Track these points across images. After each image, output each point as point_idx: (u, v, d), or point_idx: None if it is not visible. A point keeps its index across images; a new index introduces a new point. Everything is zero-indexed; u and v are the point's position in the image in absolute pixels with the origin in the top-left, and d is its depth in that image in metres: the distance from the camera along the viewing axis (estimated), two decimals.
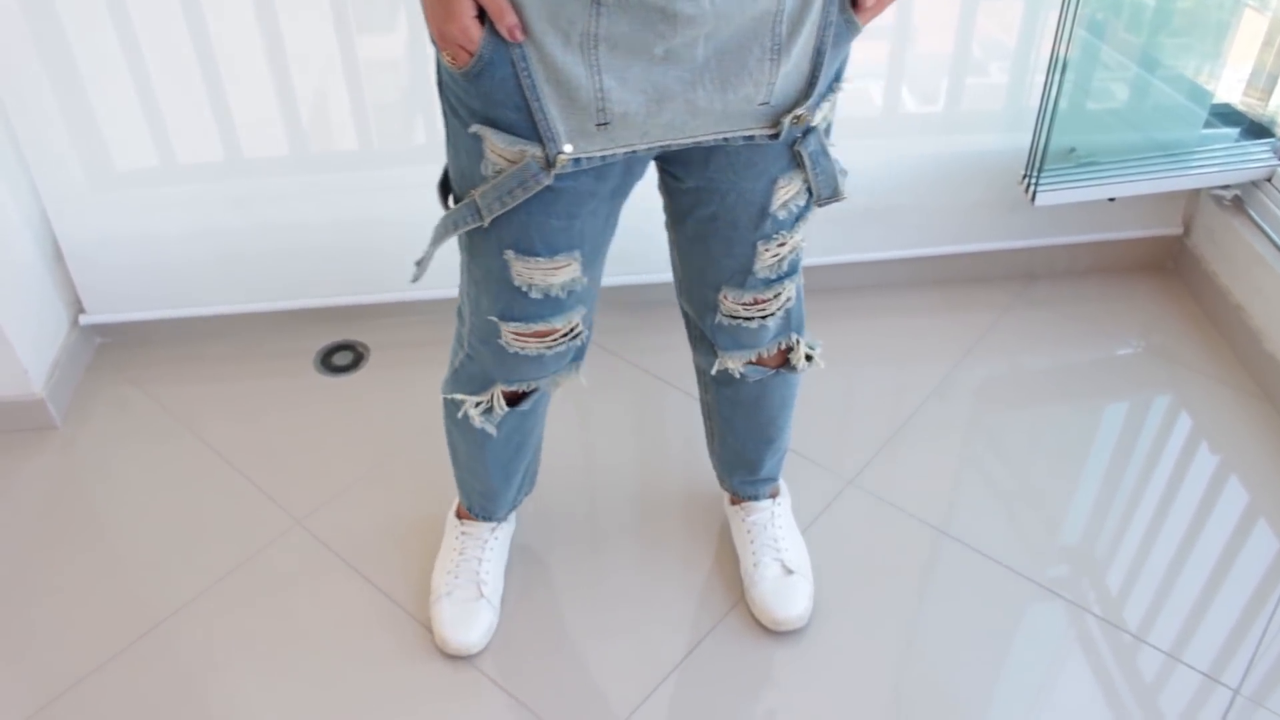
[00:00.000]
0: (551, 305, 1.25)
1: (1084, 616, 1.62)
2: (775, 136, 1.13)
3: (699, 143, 1.12)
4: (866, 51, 1.99)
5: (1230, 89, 2.12)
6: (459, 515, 1.68)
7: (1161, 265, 2.33)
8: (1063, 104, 1.96)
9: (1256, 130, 2.11)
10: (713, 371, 1.48)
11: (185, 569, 1.74)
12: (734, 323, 1.37)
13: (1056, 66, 1.92)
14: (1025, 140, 2.09)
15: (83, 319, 2.15)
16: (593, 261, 1.26)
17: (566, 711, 1.52)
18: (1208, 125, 2.10)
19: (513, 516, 1.74)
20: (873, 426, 1.96)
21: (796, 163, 1.19)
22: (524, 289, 1.22)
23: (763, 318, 1.36)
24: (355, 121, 1.97)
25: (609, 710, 1.52)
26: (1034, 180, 2.03)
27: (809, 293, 2.26)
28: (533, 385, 1.38)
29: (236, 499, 1.86)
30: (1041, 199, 2.03)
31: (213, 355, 2.19)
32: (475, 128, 1.10)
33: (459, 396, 1.41)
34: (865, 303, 2.26)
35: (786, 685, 1.54)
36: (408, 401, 2.03)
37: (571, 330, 1.31)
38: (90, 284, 2.12)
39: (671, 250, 1.40)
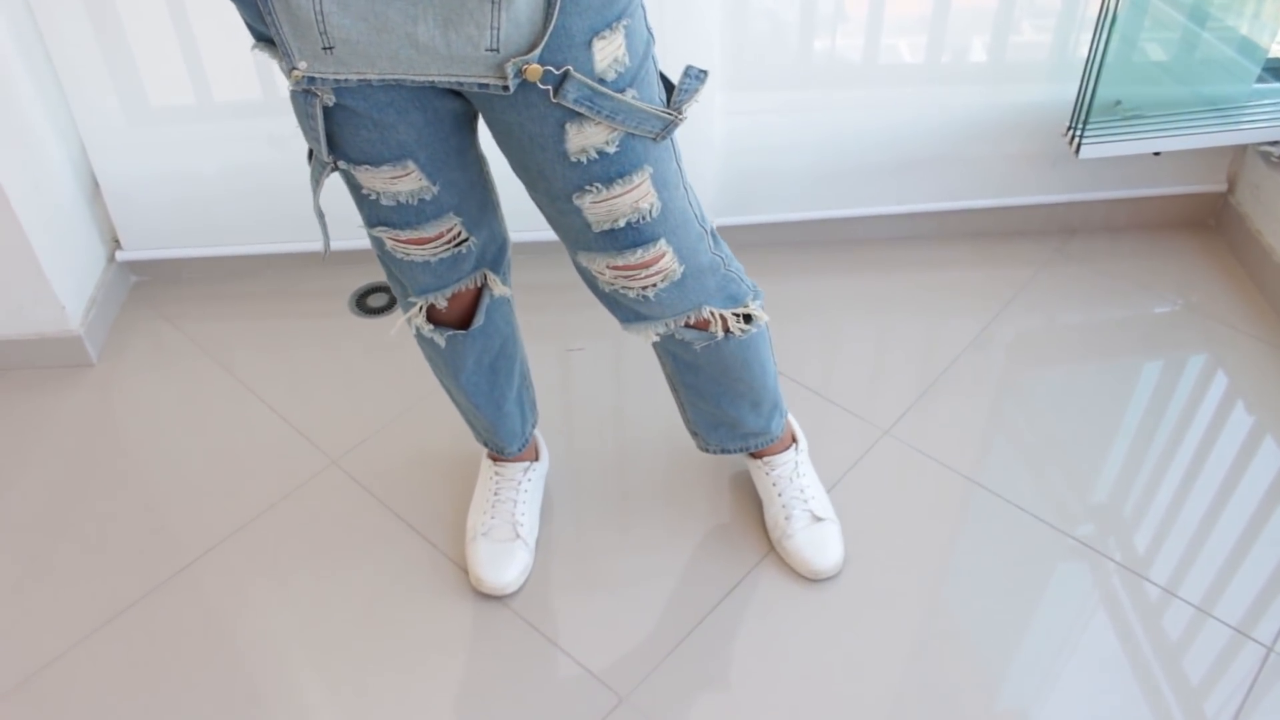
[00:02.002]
0: (411, 212, 1.25)
1: (1114, 569, 1.62)
2: (506, 89, 1.07)
3: (434, 83, 1.09)
4: (910, 8, 1.96)
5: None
6: (492, 457, 1.69)
7: (1203, 222, 2.31)
8: (1110, 56, 1.93)
9: None
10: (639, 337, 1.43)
11: (220, 507, 1.76)
12: (614, 290, 1.31)
13: (1105, 18, 1.88)
14: (1068, 92, 2.06)
15: (119, 255, 2.16)
16: (440, 170, 1.23)
17: (601, 655, 1.53)
18: (1258, 80, 2.07)
19: (545, 456, 1.75)
20: (908, 378, 1.95)
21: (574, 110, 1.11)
22: (373, 196, 1.24)
23: (642, 289, 1.29)
24: None
25: (643, 654, 1.53)
26: (1079, 132, 2.00)
27: (847, 243, 2.27)
28: (446, 294, 1.38)
29: (272, 438, 1.88)
30: (1086, 151, 2.01)
31: (248, 294, 2.20)
32: (253, 45, 1.12)
33: (403, 319, 1.44)
34: (903, 255, 2.24)
35: (818, 631, 1.55)
36: None
37: (451, 237, 1.30)
38: (127, 220, 2.12)
39: None
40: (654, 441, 1.85)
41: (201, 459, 1.84)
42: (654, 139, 1.17)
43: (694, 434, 1.65)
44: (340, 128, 1.16)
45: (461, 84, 1.08)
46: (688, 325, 1.38)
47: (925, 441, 1.83)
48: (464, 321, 1.44)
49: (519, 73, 1.06)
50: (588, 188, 1.17)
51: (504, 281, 1.44)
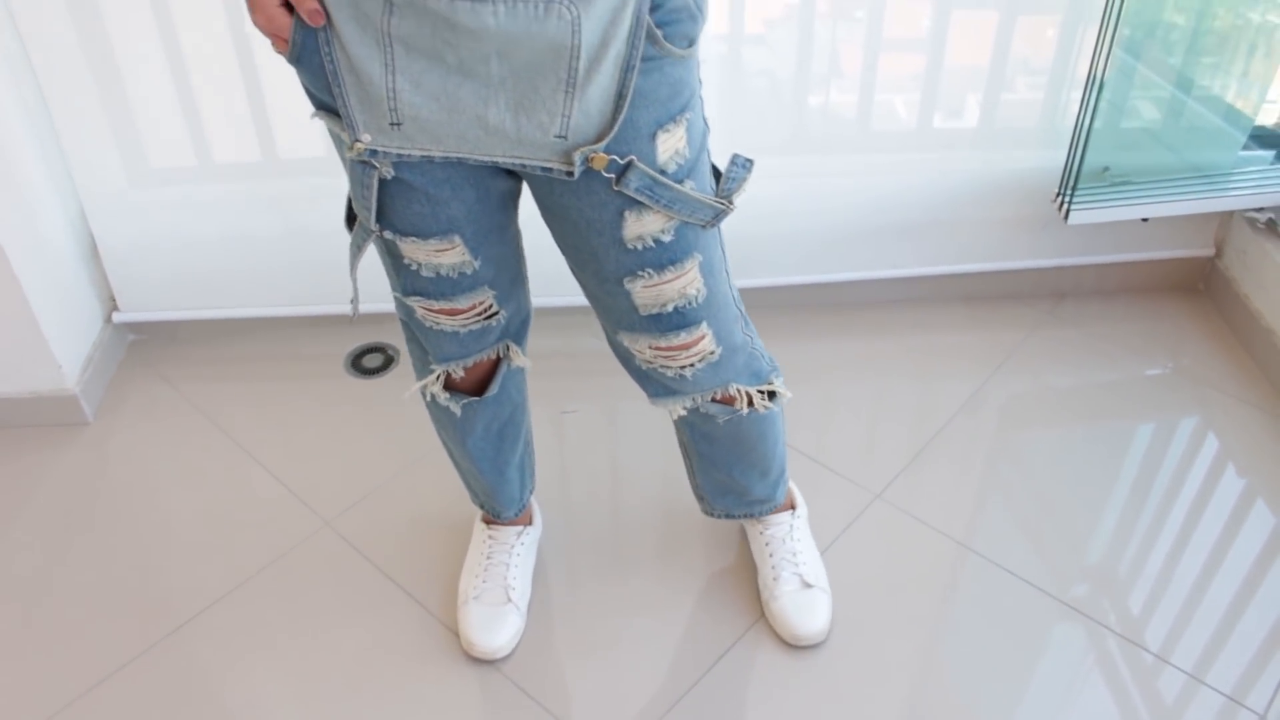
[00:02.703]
0: (448, 284, 1.27)
1: (1106, 635, 1.62)
2: (570, 174, 1.10)
3: (498, 163, 1.11)
4: (902, 67, 2.00)
5: (1266, 110, 2.11)
6: (485, 520, 1.69)
7: (1192, 286, 2.33)
8: (1098, 123, 1.96)
9: None
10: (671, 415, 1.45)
11: (213, 568, 1.76)
12: (650, 368, 1.33)
13: (1093, 86, 1.92)
14: (1058, 158, 2.09)
15: (116, 317, 2.17)
16: (482, 245, 1.24)
17: (592, 719, 1.53)
18: (1243, 147, 2.10)
19: (539, 521, 1.75)
20: (900, 441, 1.96)
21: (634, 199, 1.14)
22: (413, 266, 1.25)
23: (680, 368, 1.32)
24: None
25: (634, 719, 1.53)
26: (1068, 199, 2.03)
27: (840, 307, 2.28)
28: (467, 363, 1.39)
29: (266, 499, 1.88)
30: (1075, 218, 2.03)
31: (244, 354, 2.21)
32: (314, 113, 1.14)
33: (419, 385, 1.45)
34: (895, 318, 2.26)
35: (810, 699, 1.55)
36: None
37: (483, 309, 1.32)
38: (125, 282, 2.14)
39: None
40: (648, 504, 1.85)
41: (195, 519, 1.85)
42: (704, 227, 1.20)
43: (700, 498, 1.67)
44: (393, 200, 1.17)
45: (525, 166, 1.10)
46: (714, 400, 1.40)
47: (917, 506, 1.83)
48: (478, 388, 1.46)
49: (586, 161, 1.08)
50: (640, 273, 1.20)
51: (524, 352, 1.46)
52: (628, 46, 1.03)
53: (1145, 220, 2.19)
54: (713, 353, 1.31)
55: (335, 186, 2.03)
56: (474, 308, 1.31)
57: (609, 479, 1.90)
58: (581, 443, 1.97)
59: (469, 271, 1.26)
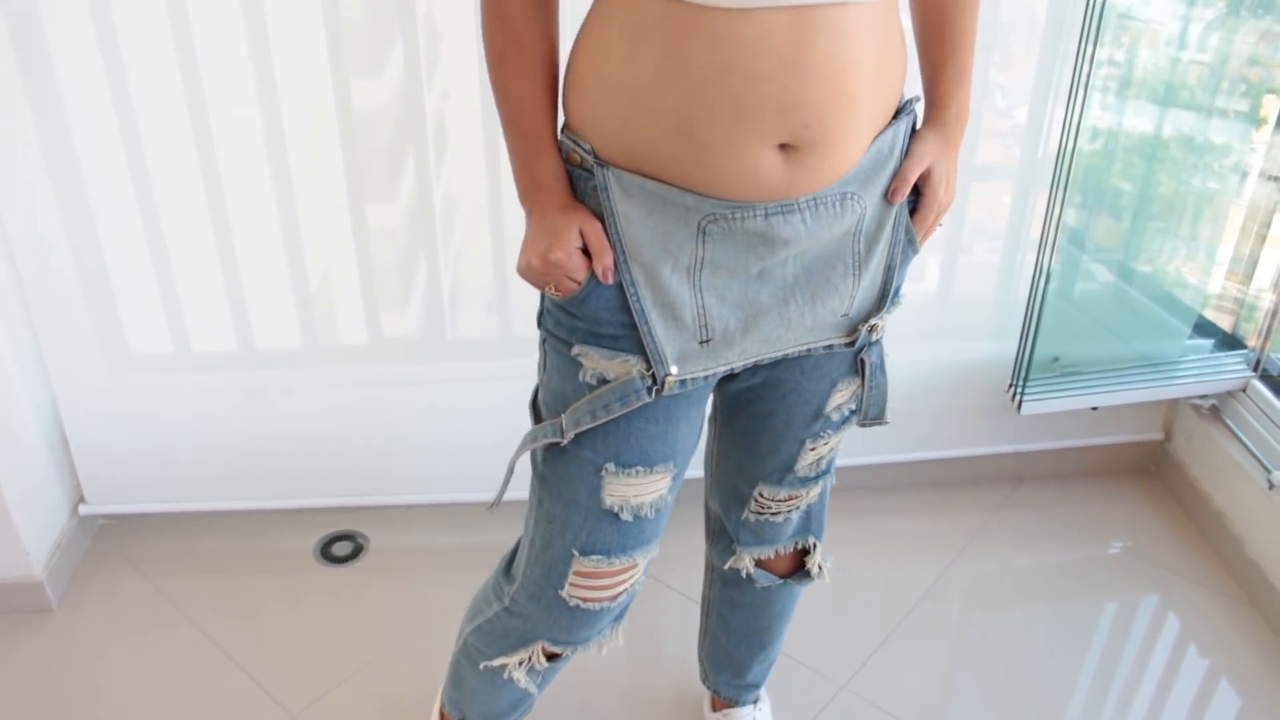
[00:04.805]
0: (637, 531, 1.21)
1: None
2: (851, 344, 1.19)
3: (786, 355, 1.18)
4: None
5: (1213, 277, 2.20)
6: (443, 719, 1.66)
7: (1145, 469, 2.39)
8: (1045, 315, 2.04)
9: (1230, 342, 2.20)
10: (725, 567, 1.47)
11: None
12: (760, 519, 1.38)
13: (1040, 277, 2.01)
14: (1011, 348, 2.16)
15: (82, 509, 2.15)
16: (678, 475, 1.23)
17: None
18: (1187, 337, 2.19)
19: None
20: (865, 630, 1.97)
21: (857, 369, 1.24)
22: (616, 510, 1.18)
23: (788, 512, 1.37)
24: (366, 316, 2.03)
25: None
26: (1019, 390, 2.10)
27: None
28: (566, 649, 1.30)
29: (232, 693, 1.85)
30: (1027, 408, 2.10)
31: (213, 543, 2.19)
32: (577, 349, 1.12)
33: (498, 662, 1.34)
34: (857, 505, 2.29)
35: None
36: (406, 594, 2.04)
37: (635, 579, 1.26)
38: (92, 474, 2.13)
39: (710, 446, 1.41)
40: (612, 695, 1.84)
41: (159, 711, 1.81)
42: (862, 424, 1.29)
43: (700, 661, 1.70)
44: (629, 422, 1.14)
45: (810, 350, 1.18)
46: (765, 558, 1.45)
47: (883, 696, 1.84)
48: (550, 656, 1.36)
49: (871, 329, 1.19)
50: (822, 435, 1.29)
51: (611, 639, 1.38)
52: (892, 226, 1.14)
53: (1095, 409, 2.26)
54: (815, 496, 1.38)
55: (307, 378, 2.07)
56: (636, 568, 1.25)
57: (571, 672, 1.89)
58: None
59: (662, 508, 1.21)
